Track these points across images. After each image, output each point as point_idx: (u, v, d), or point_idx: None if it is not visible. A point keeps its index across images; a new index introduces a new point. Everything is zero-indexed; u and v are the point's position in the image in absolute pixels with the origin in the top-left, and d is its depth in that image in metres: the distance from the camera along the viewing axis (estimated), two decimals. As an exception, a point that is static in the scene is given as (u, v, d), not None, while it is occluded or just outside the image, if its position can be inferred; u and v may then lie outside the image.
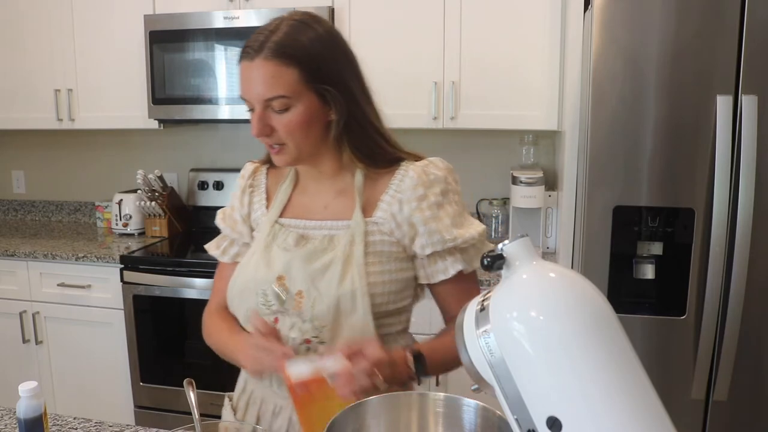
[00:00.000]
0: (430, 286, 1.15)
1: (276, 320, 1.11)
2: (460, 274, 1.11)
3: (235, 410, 1.21)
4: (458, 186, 1.14)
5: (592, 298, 0.67)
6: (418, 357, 1.03)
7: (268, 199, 1.20)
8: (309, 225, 1.13)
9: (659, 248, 1.88)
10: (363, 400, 0.93)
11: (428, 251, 1.09)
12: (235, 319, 1.18)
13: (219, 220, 1.26)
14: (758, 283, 1.81)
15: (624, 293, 1.92)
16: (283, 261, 1.09)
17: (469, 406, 0.91)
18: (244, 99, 1.05)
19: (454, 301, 1.13)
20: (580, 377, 0.63)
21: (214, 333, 1.21)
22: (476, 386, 0.72)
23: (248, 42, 1.03)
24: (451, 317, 1.17)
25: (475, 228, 1.12)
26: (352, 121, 1.07)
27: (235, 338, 1.14)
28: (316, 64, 1.03)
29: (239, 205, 1.22)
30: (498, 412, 0.84)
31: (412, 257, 1.13)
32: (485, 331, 0.68)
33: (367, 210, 1.11)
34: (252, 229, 1.21)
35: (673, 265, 1.87)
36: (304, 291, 1.07)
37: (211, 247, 1.27)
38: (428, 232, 1.08)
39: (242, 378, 1.26)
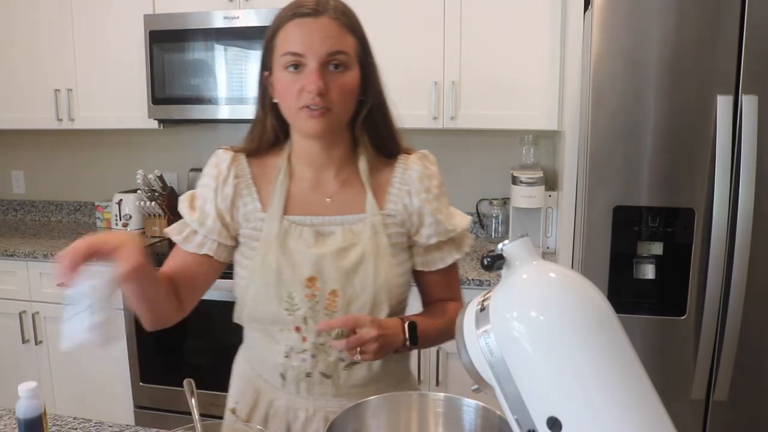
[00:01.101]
0: (420, 273, 1.16)
1: (298, 328, 1.06)
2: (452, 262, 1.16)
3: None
4: None
5: (592, 298, 0.67)
6: (412, 326, 1.06)
7: (259, 192, 1.09)
8: (318, 221, 1.07)
9: (659, 248, 1.88)
10: (363, 400, 0.93)
11: (433, 240, 1.12)
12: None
13: (185, 209, 1.11)
14: (758, 283, 1.81)
15: (624, 293, 1.91)
16: (312, 260, 1.04)
17: (469, 406, 0.91)
18: (293, 54, 0.99)
19: (443, 287, 1.18)
20: (580, 377, 0.63)
21: None
22: (476, 386, 0.72)
23: (300, 6, 1.01)
24: (434, 301, 1.20)
25: (465, 218, 1.17)
26: (378, 107, 1.09)
27: None
28: (366, 41, 1.07)
29: (217, 197, 1.08)
30: (498, 412, 0.84)
31: (410, 246, 1.14)
32: (485, 331, 0.68)
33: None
34: (228, 227, 1.09)
35: (673, 265, 1.87)
36: (338, 290, 1.05)
37: (173, 231, 1.11)
38: (435, 222, 1.11)
39: (244, 383, 1.17)
